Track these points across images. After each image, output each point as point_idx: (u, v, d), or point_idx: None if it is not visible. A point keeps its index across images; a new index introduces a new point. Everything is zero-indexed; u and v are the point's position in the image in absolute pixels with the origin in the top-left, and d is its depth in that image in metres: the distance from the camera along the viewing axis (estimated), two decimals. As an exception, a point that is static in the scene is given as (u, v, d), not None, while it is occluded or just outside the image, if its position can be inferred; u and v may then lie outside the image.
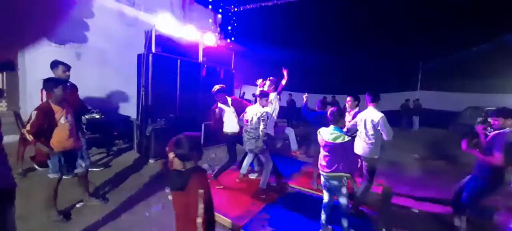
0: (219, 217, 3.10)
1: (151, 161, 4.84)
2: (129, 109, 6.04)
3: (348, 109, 3.84)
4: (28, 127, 2.53)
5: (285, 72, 4.34)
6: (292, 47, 13.29)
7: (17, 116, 4.80)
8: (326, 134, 2.68)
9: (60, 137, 2.80)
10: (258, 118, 3.54)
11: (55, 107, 2.77)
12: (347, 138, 2.60)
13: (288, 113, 11.06)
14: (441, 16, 12.42)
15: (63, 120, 2.81)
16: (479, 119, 7.70)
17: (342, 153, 2.64)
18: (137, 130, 5.22)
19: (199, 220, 1.47)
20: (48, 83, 2.80)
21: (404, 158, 6.33)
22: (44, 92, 3.37)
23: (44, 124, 2.64)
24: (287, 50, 12.83)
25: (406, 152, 6.82)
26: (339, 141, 2.59)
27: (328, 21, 13.76)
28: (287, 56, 12.71)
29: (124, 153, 5.23)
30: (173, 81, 5.44)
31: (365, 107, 3.37)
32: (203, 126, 5.80)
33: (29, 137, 2.51)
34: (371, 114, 3.17)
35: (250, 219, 3.08)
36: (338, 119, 2.71)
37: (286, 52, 12.61)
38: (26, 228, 2.58)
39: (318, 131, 2.81)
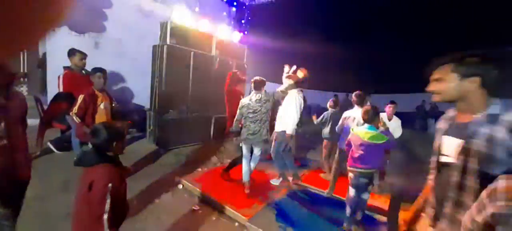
0: (226, 210, 3.16)
1: (163, 150, 4.95)
2: (143, 99, 6.17)
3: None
4: (75, 110, 2.72)
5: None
6: (306, 43, 13.07)
7: (38, 100, 5.02)
8: (363, 133, 2.67)
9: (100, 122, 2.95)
10: (263, 101, 3.30)
11: (98, 94, 2.96)
12: (385, 139, 2.64)
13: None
14: (465, 16, 11.85)
15: (103, 106, 3.00)
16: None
17: (376, 151, 2.69)
18: (150, 119, 5.34)
19: (105, 217, 1.38)
20: (96, 72, 2.99)
21: (415, 162, 6.17)
22: (61, 79, 3.54)
23: (89, 108, 2.83)
24: (301, 45, 12.64)
25: (417, 155, 6.64)
26: (377, 141, 2.62)
27: (344, 18, 13.44)
28: (301, 52, 12.54)
29: (137, 141, 5.37)
30: (186, 73, 5.52)
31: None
32: (213, 118, 5.86)
33: (77, 119, 2.70)
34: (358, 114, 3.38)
35: (257, 213, 3.11)
36: (373, 118, 2.71)
37: (300, 48, 12.43)
38: (43, 209, 2.69)
39: (351, 129, 2.85)
